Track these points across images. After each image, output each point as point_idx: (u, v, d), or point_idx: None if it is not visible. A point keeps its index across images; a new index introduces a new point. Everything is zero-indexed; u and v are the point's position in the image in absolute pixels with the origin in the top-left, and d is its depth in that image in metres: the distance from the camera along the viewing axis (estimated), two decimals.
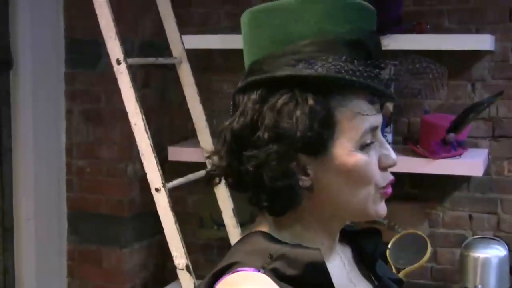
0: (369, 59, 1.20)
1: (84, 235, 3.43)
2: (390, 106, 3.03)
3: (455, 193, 3.12)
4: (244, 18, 1.29)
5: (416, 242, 2.86)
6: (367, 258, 1.40)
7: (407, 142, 3.05)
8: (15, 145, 3.25)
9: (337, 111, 1.20)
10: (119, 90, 2.59)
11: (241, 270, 1.19)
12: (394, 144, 3.11)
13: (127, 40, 3.09)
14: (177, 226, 2.56)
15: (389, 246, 2.83)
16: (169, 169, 3.20)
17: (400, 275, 2.77)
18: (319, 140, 1.19)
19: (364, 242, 1.40)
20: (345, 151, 1.21)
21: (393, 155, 1.26)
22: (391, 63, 1.22)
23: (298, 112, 1.17)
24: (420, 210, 3.13)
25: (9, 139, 3.24)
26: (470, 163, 2.88)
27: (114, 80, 2.61)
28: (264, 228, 1.28)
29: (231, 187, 1.29)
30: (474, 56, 3.04)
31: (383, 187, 1.26)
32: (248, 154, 1.21)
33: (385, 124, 3.04)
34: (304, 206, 1.25)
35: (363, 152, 1.22)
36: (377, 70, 1.20)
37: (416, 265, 2.81)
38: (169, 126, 3.47)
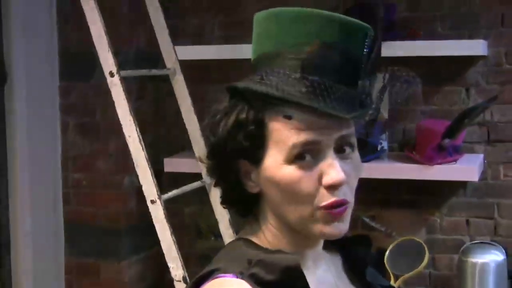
0: (318, 74, 1.19)
1: (81, 248, 3.41)
2: (384, 113, 3.04)
3: (452, 198, 3.12)
4: None
5: (414, 248, 2.87)
6: (357, 266, 1.40)
7: (403, 149, 3.05)
8: (10, 159, 3.24)
9: (271, 123, 1.22)
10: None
11: (220, 277, 1.21)
12: (390, 151, 3.11)
13: (121, 51, 3.09)
14: (173, 237, 2.56)
15: (387, 253, 2.83)
16: (165, 180, 3.20)
17: (399, 281, 2.77)
18: (246, 151, 1.23)
19: (353, 250, 1.40)
20: (274, 163, 1.22)
21: (334, 174, 1.20)
22: (334, 85, 1.20)
23: (222, 124, 1.24)
24: (417, 216, 3.13)
25: (5, 153, 3.23)
26: (466, 169, 2.88)
27: (109, 92, 2.61)
28: (248, 235, 1.31)
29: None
30: (468, 61, 3.04)
31: (325, 207, 1.21)
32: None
33: (381, 131, 3.04)
34: (268, 214, 1.29)
35: (295, 166, 1.21)
36: (308, 85, 1.19)
37: (415, 271, 2.81)
38: (165, 137, 3.46)
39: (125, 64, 3.14)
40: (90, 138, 3.36)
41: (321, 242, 1.33)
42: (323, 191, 1.21)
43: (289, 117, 1.19)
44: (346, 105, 1.19)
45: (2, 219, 3.25)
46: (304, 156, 1.20)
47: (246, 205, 1.31)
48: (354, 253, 1.40)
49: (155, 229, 2.59)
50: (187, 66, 3.04)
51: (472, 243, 2.95)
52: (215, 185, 1.32)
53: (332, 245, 1.38)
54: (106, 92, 2.67)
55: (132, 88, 3.21)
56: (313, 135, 1.20)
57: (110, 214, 3.34)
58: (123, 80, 2.58)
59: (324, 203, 1.21)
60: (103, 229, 3.35)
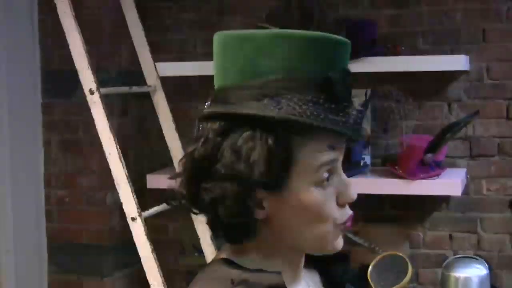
0: (335, 100, 1.18)
1: (64, 265, 3.40)
2: (368, 128, 3.04)
3: (435, 213, 3.13)
4: (216, 40, 1.27)
5: (397, 263, 2.85)
6: (335, 284, 1.40)
7: (386, 164, 3.06)
8: None
9: (297, 150, 1.19)
10: None
11: None
12: (373, 166, 3.12)
13: (103, 68, 3.09)
14: (154, 255, 2.55)
15: (369, 268, 2.83)
16: (149, 196, 3.19)
17: None
18: (276, 180, 1.19)
19: (331, 267, 1.40)
20: (301, 188, 1.20)
21: (351, 191, 1.25)
22: (355, 109, 1.21)
23: (255, 154, 1.16)
24: (400, 231, 3.13)
25: None
26: (449, 183, 2.89)
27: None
28: (227, 255, 1.28)
29: (190, 211, 1.28)
30: (450, 76, 3.06)
31: (345, 222, 1.25)
32: (205, 186, 1.20)
33: (363, 146, 3.05)
34: (262, 236, 1.25)
35: (319, 188, 1.21)
36: (341, 113, 1.18)
37: (398, 286, 2.80)
38: (149, 153, 3.46)
39: (108, 81, 3.13)
40: (72, 155, 3.35)
41: (303, 260, 1.33)
42: (340, 207, 1.25)
43: (333, 148, 1.21)
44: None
45: None
46: (327, 177, 1.22)
47: (246, 232, 1.25)
48: (332, 271, 1.40)
49: None
50: (170, 83, 3.03)
51: (455, 258, 2.95)
52: (194, 212, 1.28)
53: (308, 262, 1.38)
54: (88, 109, 2.67)
55: (115, 105, 3.21)
56: (335, 155, 1.22)
57: (93, 231, 3.32)
58: (103, 97, 2.58)
59: (345, 218, 1.25)
60: (86, 246, 3.34)
